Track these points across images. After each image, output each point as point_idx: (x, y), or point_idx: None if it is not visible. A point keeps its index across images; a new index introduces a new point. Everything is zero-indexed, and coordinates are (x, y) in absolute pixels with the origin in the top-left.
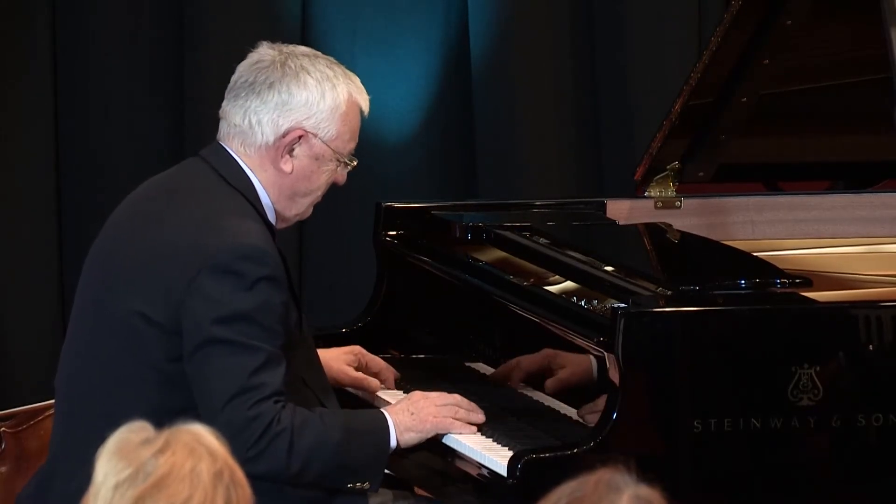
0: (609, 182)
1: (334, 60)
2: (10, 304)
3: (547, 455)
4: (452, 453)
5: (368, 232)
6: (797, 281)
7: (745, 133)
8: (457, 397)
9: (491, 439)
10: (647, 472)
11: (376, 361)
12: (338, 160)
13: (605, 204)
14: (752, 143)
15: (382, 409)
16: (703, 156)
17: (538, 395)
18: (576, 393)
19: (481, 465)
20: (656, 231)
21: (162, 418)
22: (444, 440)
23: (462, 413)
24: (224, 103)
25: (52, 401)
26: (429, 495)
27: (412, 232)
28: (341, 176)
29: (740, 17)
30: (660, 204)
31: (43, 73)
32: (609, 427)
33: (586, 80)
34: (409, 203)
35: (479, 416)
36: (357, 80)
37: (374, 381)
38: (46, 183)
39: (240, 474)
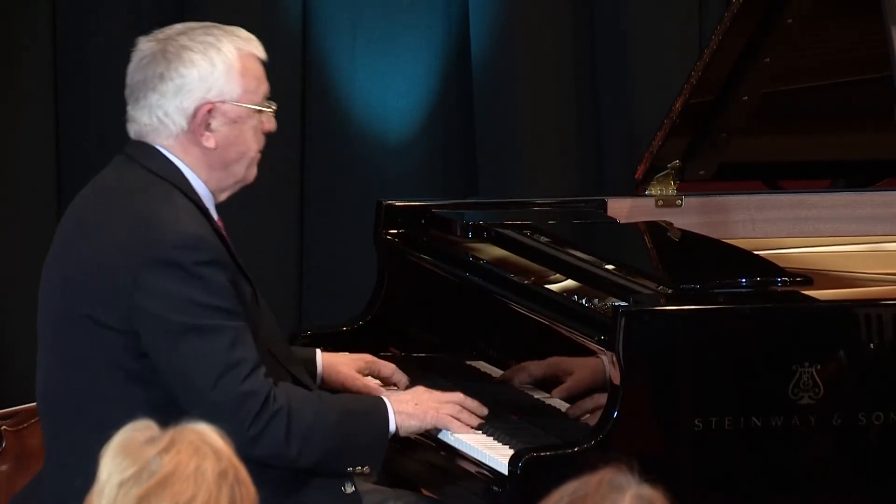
0: (610, 180)
1: (211, 24)
2: (10, 302)
3: (548, 454)
4: (453, 452)
5: (369, 231)
6: (798, 279)
7: (746, 131)
8: (460, 396)
9: (492, 438)
10: (647, 470)
11: (388, 367)
12: (256, 111)
13: (606, 202)
14: (753, 141)
15: (382, 396)
16: (704, 154)
17: (539, 394)
18: (581, 396)
19: (482, 464)
20: (657, 229)
21: (139, 414)
22: (445, 439)
23: (465, 415)
24: (128, 109)
25: None
26: (430, 494)
27: (413, 230)
28: (269, 123)
29: (741, 16)
30: (661, 202)
31: (43, 71)
32: (610, 426)
33: (587, 79)
34: (410, 201)
35: (482, 412)
36: (241, 31)
37: (382, 389)
38: (46, 180)
39: (244, 473)
